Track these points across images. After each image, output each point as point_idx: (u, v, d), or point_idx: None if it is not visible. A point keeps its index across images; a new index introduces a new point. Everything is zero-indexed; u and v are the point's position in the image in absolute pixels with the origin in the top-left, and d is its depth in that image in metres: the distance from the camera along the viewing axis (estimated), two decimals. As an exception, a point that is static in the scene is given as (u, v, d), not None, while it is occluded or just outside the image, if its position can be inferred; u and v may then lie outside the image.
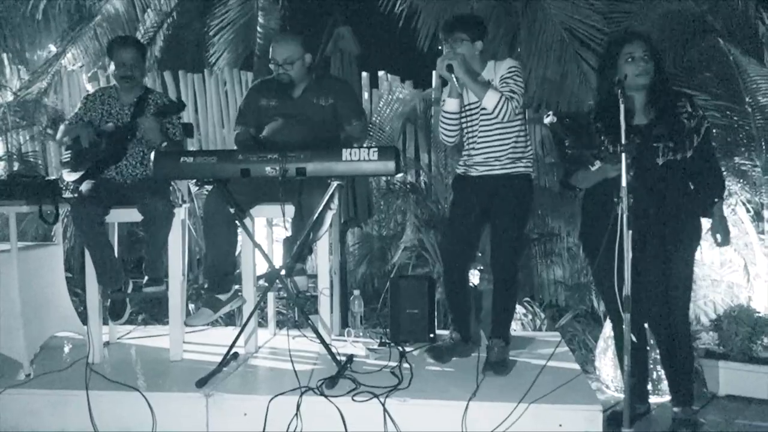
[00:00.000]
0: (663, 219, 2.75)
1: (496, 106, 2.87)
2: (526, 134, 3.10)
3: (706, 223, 2.86)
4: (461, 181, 3.16)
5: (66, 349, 3.47)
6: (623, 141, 2.47)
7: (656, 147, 2.74)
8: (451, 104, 3.02)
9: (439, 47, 3.05)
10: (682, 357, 2.85)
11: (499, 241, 3.04)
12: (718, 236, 2.84)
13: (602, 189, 2.77)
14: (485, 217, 3.10)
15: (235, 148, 3.38)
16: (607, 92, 2.78)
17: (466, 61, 2.95)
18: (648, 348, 3.05)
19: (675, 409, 2.87)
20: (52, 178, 3.81)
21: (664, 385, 3.21)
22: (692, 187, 2.82)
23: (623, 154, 2.46)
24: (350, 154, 2.79)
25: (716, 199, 2.83)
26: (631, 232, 2.46)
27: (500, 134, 3.02)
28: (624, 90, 2.51)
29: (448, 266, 3.22)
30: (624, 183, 2.46)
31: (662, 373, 3.20)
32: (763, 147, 3.81)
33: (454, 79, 2.92)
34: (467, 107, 3.07)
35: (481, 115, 3.02)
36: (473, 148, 3.08)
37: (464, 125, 3.09)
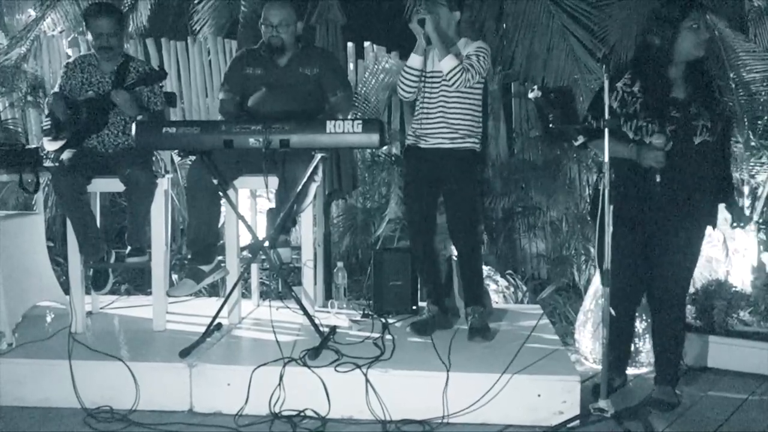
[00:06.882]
0: (692, 200, 2.66)
1: (451, 71, 2.94)
2: (481, 115, 3.16)
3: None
4: (411, 152, 3.20)
5: (48, 319, 3.46)
6: (606, 116, 2.47)
7: (695, 125, 2.63)
8: (414, 60, 3.06)
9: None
10: (676, 339, 2.85)
11: (455, 215, 3.15)
12: (740, 222, 2.81)
13: (627, 168, 2.66)
14: (438, 186, 3.17)
15: (220, 116, 3.36)
16: (651, 60, 2.65)
17: (438, 21, 3.00)
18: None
19: (657, 387, 2.86)
20: (33, 146, 3.76)
21: (642, 357, 3.26)
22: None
23: (606, 129, 2.47)
24: (334, 126, 2.79)
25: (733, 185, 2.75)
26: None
27: (457, 109, 3.07)
28: (609, 64, 2.50)
29: (412, 239, 3.30)
30: (606, 159, 2.47)
31: (639, 345, 3.26)
32: (746, 123, 3.82)
33: (423, 35, 2.97)
34: (430, 74, 3.08)
35: (442, 85, 3.06)
36: (427, 117, 3.10)
37: (423, 92, 3.11)
